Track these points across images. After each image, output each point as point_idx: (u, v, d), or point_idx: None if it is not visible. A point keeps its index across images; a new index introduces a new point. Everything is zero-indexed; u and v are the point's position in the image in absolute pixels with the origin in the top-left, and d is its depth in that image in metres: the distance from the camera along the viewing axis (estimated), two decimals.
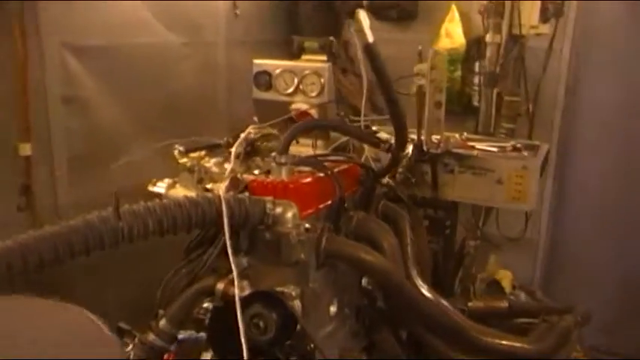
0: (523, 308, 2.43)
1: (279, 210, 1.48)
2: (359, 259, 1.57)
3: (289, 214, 1.48)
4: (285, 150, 1.62)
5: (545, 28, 2.68)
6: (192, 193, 1.73)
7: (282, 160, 1.59)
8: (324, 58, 2.23)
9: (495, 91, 2.66)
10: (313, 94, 2.15)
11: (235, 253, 1.56)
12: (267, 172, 1.65)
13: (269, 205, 1.47)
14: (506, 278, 3.12)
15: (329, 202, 1.68)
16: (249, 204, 1.46)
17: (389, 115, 1.57)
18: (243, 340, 1.33)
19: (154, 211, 1.36)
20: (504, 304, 2.52)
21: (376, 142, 1.76)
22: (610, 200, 3.22)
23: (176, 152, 1.77)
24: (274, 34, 3.55)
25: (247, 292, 1.55)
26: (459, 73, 3.45)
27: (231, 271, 1.55)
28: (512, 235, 2.92)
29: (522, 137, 2.83)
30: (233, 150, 1.72)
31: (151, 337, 1.59)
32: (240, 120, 3.12)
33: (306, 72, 2.15)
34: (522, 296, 2.89)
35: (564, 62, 3.22)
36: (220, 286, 1.57)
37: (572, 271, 3.42)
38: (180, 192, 1.75)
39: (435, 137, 2.09)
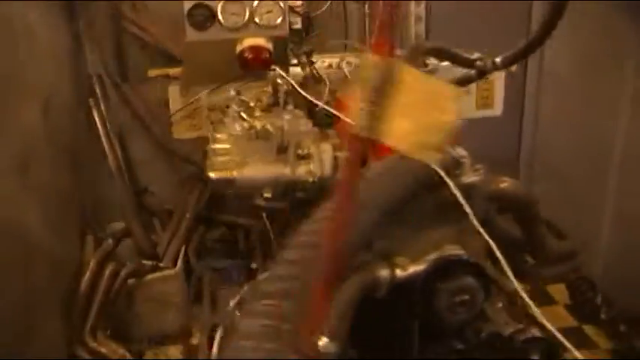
0: None
1: (458, 154, 1.18)
2: (512, 191, 1.37)
3: (465, 159, 1.20)
4: None
5: None
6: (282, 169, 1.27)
7: None
8: None
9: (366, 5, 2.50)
10: (273, 24, 1.76)
11: None
12: None
13: (453, 152, 1.17)
14: None
15: None
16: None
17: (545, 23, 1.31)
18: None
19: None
20: None
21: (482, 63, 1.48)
22: None
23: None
24: None
25: (414, 268, 1.23)
26: None
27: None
28: None
29: None
30: None
31: None
32: None
33: None
34: None
35: None
36: (385, 272, 1.21)
37: None
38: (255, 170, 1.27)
39: None
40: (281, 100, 1.43)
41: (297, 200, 1.30)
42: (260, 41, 1.75)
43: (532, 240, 1.51)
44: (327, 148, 1.25)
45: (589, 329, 2.96)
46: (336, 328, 1.18)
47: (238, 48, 1.76)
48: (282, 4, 1.72)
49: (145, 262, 2.97)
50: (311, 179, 1.24)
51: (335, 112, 1.27)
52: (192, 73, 1.76)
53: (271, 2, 1.72)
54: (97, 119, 3.09)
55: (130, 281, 2.87)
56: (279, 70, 1.51)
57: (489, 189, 1.32)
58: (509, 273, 1.07)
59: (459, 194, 1.07)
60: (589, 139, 3.31)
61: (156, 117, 3.34)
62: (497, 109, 2.06)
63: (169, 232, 3.15)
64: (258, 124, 1.23)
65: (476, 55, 1.37)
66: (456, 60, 1.38)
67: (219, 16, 1.69)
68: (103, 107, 3.12)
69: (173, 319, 3.11)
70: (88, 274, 2.72)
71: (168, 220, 3.29)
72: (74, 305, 2.68)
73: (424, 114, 0.55)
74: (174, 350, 3.04)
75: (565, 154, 3.60)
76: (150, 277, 2.95)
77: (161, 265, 2.99)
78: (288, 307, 0.78)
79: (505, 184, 1.35)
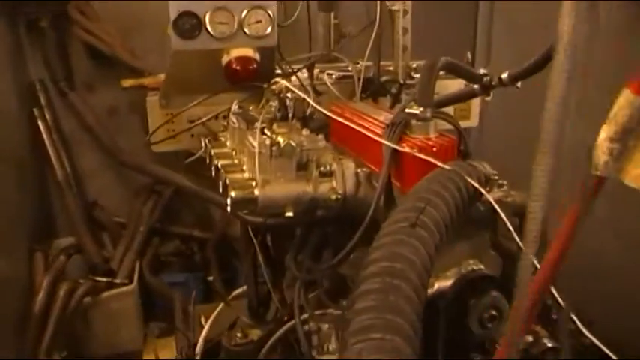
0: None
1: (488, 171, 1.20)
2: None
3: (495, 176, 1.22)
4: (429, 101, 1.27)
5: None
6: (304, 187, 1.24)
7: (429, 114, 1.26)
8: None
9: (332, 14, 2.50)
10: (262, 34, 1.73)
11: None
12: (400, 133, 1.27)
13: (484, 168, 1.18)
14: None
15: None
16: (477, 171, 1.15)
17: None
18: None
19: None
20: None
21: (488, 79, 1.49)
22: None
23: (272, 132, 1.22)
24: None
25: (440, 284, 1.24)
26: None
27: None
28: None
29: None
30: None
31: None
32: None
33: (248, 8, 1.71)
34: None
35: None
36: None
37: None
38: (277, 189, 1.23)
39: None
40: (290, 114, 1.40)
41: (319, 219, 1.28)
42: (247, 52, 1.71)
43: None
44: (349, 165, 1.23)
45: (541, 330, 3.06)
46: None
47: (225, 59, 1.71)
48: (271, 14, 1.68)
49: (99, 278, 2.84)
50: (334, 197, 1.22)
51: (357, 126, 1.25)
52: (173, 83, 1.69)
53: (261, 12, 1.68)
54: (42, 129, 2.93)
55: (86, 299, 2.73)
56: (285, 82, 1.48)
57: (513, 204, 1.33)
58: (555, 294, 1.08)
59: (500, 212, 1.08)
60: (527, 141, 3.44)
61: (105, 127, 3.21)
62: (474, 121, 2.11)
63: (123, 246, 3.02)
64: (281, 141, 1.19)
65: (482, 71, 1.38)
66: (465, 75, 1.39)
67: (207, 26, 1.64)
68: (48, 117, 2.97)
69: (129, 336, 3.00)
70: (42, 294, 2.57)
71: (119, 233, 3.15)
72: (28, 326, 2.53)
73: None
74: None
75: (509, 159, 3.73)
76: (106, 294, 2.83)
77: (117, 281, 2.87)
78: (394, 340, 0.76)
79: (522, 198, 1.37)
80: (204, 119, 1.67)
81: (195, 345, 1.99)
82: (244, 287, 2.08)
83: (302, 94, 1.41)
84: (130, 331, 2.97)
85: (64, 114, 3.02)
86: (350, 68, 1.88)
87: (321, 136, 1.28)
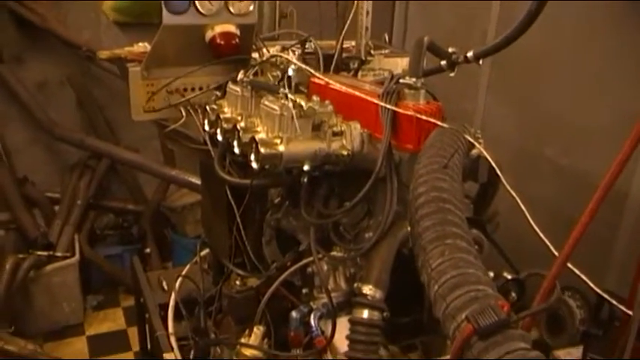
0: None
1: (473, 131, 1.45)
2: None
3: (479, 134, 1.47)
4: (420, 73, 1.49)
5: None
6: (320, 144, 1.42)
7: (419, 84, 1.49)
8: None
9: None
10: (244, 12, 1.89)
11: None
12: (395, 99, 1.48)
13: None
14: None
15: None
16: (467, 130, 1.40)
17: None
18: None
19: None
20: None
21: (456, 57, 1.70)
22: None
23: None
24: None
25: None
26: None
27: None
28: None
29: None
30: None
31: (368, 313, 1.36)
32: None
33: None
34: None
35: None
36: None
37: None
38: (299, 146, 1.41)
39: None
40: (293, 83, 1.58)
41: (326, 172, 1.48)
42: (230, 27, 1.86)
43: (485, 199, 1.81)
44: (356, 126, 1.43)
45: None
46: (381, 277, 1.40)
47: (209, 34, 1.84)
48: None
49: (40, 252, 2.84)
50: (345, 153, 1.42)
51: None
52: (157, 55, 1.81)
53: None
54: None
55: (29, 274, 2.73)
56: (288, 56, 1.66)
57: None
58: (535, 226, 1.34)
59: (491, 161, 1.33)
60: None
61: (38, 101, 3.16)
62: None
63: (60, 220, 3.03)
64: (303, 104, 1.38)
65: (451, 50, 1.62)
66: (438, 52, 1.63)
67: (196, 2, 1.77)
68: None
69: (71, 309, 3.02)
70: None
71: (51, 208, 3.14)
72: None
73: None
74: (79, 342, 2.96)
75: None
76: (49, 267, 2.83)
77: (58, 254, 2.88)
78: (461, 244, 0.98)
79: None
80: (204, 90, 1.81)
81: (167, 305, 2.12)
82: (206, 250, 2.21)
83: (302, 65, 1.60)
84: (72, 305, 3.00)
85: None
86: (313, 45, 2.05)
87: (327, 101, 1.47)
